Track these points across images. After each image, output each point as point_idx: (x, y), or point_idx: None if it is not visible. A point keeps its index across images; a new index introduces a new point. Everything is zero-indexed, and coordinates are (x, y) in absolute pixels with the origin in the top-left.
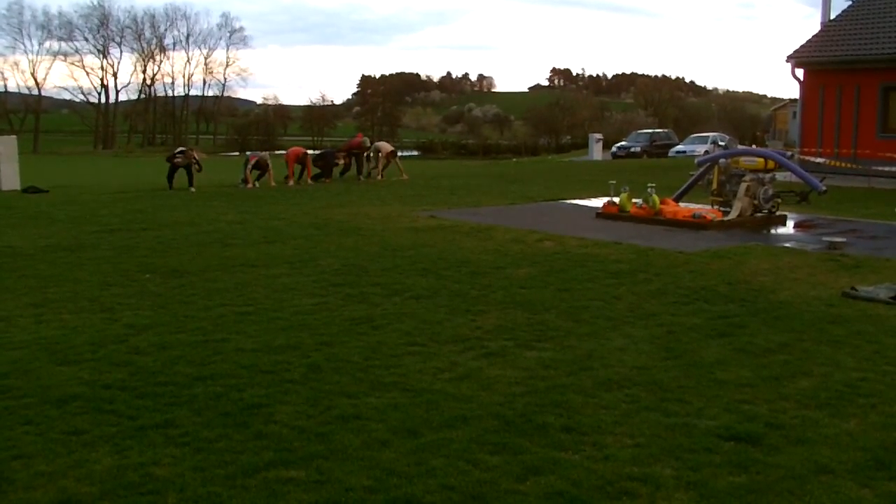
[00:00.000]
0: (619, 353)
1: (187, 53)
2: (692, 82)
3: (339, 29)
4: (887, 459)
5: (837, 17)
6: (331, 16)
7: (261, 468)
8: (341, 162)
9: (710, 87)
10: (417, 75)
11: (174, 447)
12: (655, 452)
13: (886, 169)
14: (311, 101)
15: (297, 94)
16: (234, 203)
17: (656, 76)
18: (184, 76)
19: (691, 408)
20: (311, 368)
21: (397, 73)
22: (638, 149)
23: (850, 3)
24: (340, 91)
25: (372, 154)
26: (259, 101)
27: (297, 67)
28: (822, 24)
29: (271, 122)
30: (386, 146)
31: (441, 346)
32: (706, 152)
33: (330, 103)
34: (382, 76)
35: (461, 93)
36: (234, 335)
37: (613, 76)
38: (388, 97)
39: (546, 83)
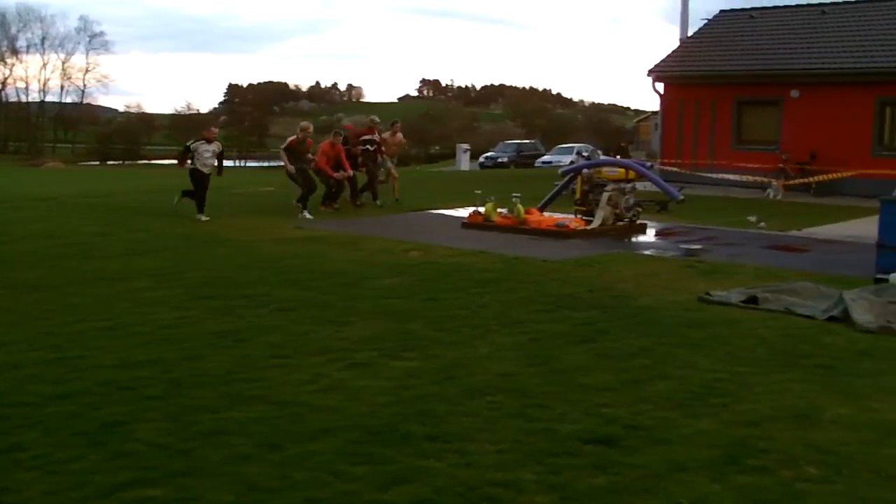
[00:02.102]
0: (484, 361)
1: (43, 57)
2: (559, 94)
3: (209, 36)
4: (737, 455)
5: (695, 34)
6: (200, 22)
7: (118, 488)
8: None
9: (576, 98)
10: (286, 84)
11: (23, 471)
12: (518, 457)
13: (735, 177)
14: (177, 110)
15: (161, 103)
16: (98, 214)
17: (525, 88)
18: (39, 81)
19: (553, 413)
20: (172, 384)
21: (266, 82)
22: (505, 159)
23: (706, 21)
24: (207, 99)
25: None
26: (122, 108)
27: (162, 74)
28: (681, 40)
29: (135, 130)
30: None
31: (307, 358)
32: (571, 162)
33: (196, 112)
34: (251, 85)
35: (331, 102)
36: (93, 351)
37: (482, 87)
38: (256, 106)
39: (415, 94)
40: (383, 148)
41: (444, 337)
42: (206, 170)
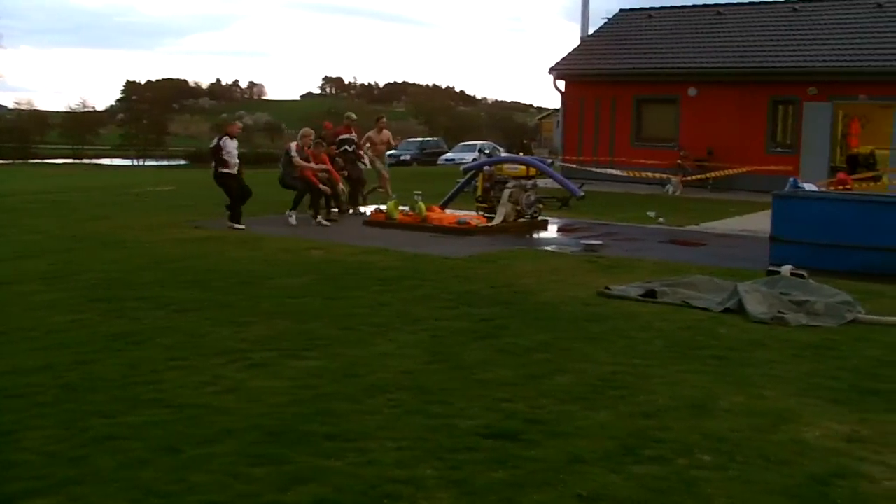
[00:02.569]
0: (384, 359)
1: None
2: (462, 92)
3: (103, 31)
4: (634, 445)
5: (595, 32)
6: (95, 17)
7: (6, 500)
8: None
9: (480, 96)
10: (186, 81)
11: None
12: (418, 454)
13: (617, 172)
14: (71, 107)
15: (55, 100)
16: None
17: (428, 85)
18: None
19: (454, 409)
20: (65, 389)
21: (165, 79)
22: (408, 157)
23: (607, 20)
24: (103, 97)
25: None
26: (11, 105)
27: (54, 70)
28: (582, 38)
29: (26, 128)
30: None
31: (205, 360)
32: (474, 160)
33: (92, 109)
34: (149, 82)
35: (232, 100)
36: None
37: (386, 85)
38: (155, 104)
39: (318, 91)
40: (367, 148)
41: (345, 335)
42: (234, 170)
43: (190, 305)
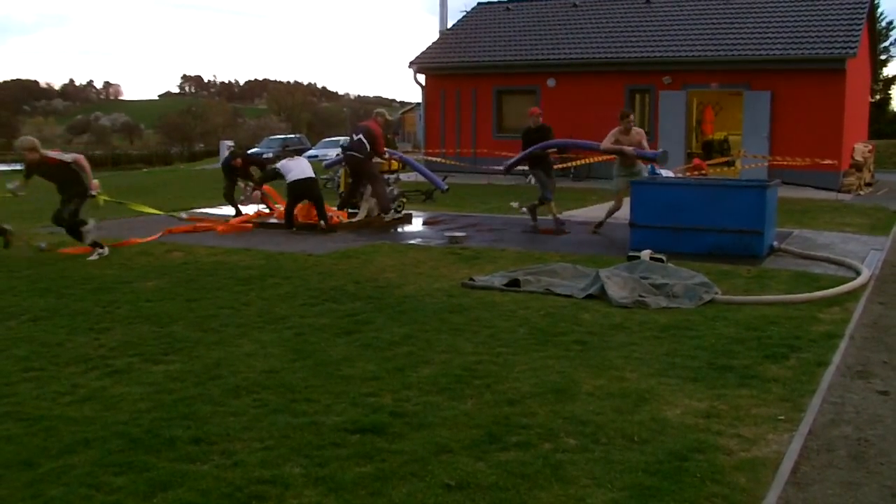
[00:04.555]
0: (247, 359)
1: None
2: (324, 88)
3: None
4: (499, 433)
5: (454, 25)
6: None
7: None
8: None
9: (342, 92)
10: (36, 82)
11: None
12: (284, 453)
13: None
14: None
15: None
16: None
17: (289, 82)
18: None
19: (319, 406)
20: None
21: (13, 80)
22: (270, 154)
23: (465, 13)
24: None
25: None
26: None
27: None
28: (441, 32)
29: None
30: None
31: (61, 369)
32: (337, 156)
33: None
34: None
35: (87, 101)
36: None
37: (246, 82)
38: (3, 106)
39: (177, 90)
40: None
41: (207, 337)
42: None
43: (43, 314)
